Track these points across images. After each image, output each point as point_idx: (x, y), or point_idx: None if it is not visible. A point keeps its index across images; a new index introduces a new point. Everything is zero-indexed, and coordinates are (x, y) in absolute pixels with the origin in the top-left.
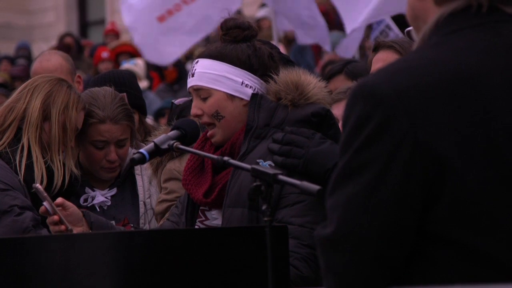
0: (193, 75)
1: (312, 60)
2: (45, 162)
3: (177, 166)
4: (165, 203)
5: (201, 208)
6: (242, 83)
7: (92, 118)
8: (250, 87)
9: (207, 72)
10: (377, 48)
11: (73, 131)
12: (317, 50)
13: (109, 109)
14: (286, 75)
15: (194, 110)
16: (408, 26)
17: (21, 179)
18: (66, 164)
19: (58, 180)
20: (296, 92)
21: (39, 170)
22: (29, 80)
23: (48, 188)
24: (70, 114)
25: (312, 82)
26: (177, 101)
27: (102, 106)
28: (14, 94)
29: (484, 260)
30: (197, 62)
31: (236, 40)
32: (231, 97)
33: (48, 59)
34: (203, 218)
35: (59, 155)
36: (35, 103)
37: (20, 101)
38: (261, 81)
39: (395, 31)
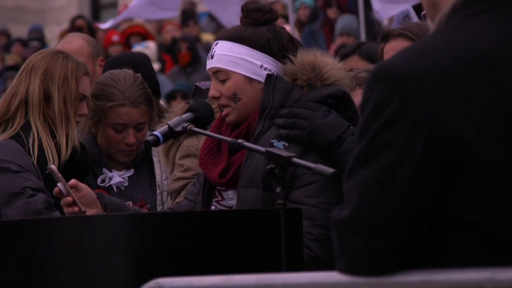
0: (212, 57)
1: (323, 44)
2: (55, 141)
3: (195, 143)
4: (181, 181)
5: (217, 188)
6: (261, 66)
7: (112, 101)
8: (269, 70)
9: (226, 54)
10: (386, 37)
11: (77, 101)
12: (328, 33)
13: (129, 92)
14: (303, 56)
15: (212, 92)
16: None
17: (35, 161)
18: (70, 135)
19: (63, 153)
20: (313, 72)
21: (48, 150)
22: (26, 61)
23: (43, 167)
24: (70, 85)
25: (329, 63)
26: (202, 84)
27: (123, 89)
28: (15, 79)
29: (503, 243)
30: (216, 44)
31: (256, 23)
32: (250, 80)
33: (69, 41)
34: (220, 198)
35: (63, 129)
36: (34, 84)
37: (21, 85)
38: (281, 64)
39: (414, 20)
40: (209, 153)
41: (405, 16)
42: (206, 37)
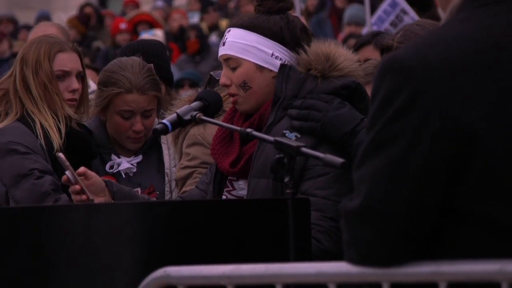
0: (224, 44)
1: (331, 33)
2: (58, 122)
3: (201, 132)
4: (187, 169)
5: (229, 178)
6: (272, 54)
7: (120, 87)
8: (280, 59)
9: (238, 42)
10: (388, 50)
11: (54, 79)
12: (336, 23)
13: (137, 79)
14: (318, 47)
15: (223, 79)
16: (425, 9)
17: (43, 143)
18: (60, 114)
19: (55, 139)
20: (327, 63)
21: (51, 133)
22: None
23: (50, 150)
24: (44, 67)
25: (343, 54)
26: (216, 74)
27: (129, 76)
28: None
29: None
30: (229, 31)
31: (269, 12)
32: (260, 68)
33: (44, 30)
34: (230, 188)
35: (46, 111)
36: (16, 74)
37: (12, 75)
38: (292, 54)
39: (411, 15)
40: (221, 143)
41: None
42: (225, 23)
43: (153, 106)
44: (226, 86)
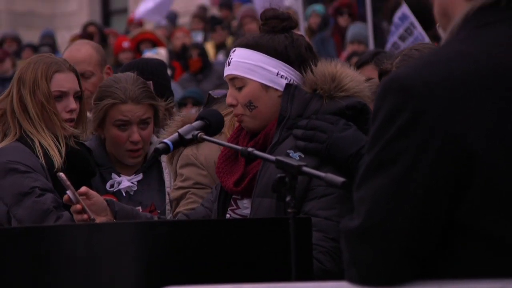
0: (229, 64)
1: (334, 51)
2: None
3: (194, 152)
4: (181, 190)
5: (233, 196)
6: (278, 73)
7: (114, 99)
8: (286, 78)
9: (243, 62)
10: (386, 73)
11: (52, 100)
12: (339, 41)
13: (131, 89)
14: (324, 67)
15: (229, 99)
16: (431, 25)
17: (43, 162)
18: (60, 134)
19: (55, 157)
20: (333, 84)
21: (51, 152)
22: None
23: (50, 168)
24: (41, 87)
25: (349, 75)
26: (215, 93)
27: (124, 88)
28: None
29: None
30: (234, 51)
31: (274, 31)
32: (266, 87)
33: (78, 49)
34: (235, 207)
35: (45, 133)
36: (13, 94)
37: (9, 95)
38: (298, 72)
39: (419, 29)
40: (225, 162)
41: (410, 24)
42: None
43: (149, 115)
44: (232, 106)
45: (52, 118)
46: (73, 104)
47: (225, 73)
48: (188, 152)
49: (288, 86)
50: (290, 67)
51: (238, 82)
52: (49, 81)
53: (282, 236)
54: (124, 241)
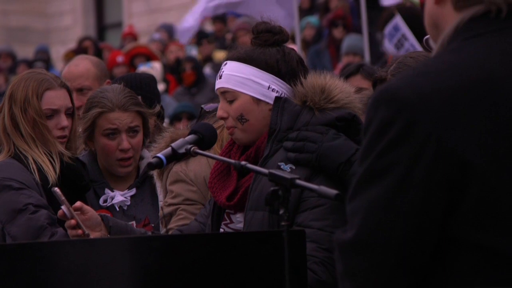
0: (220, 77)
1: (329, 63)
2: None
3: (183, 168)
4: (171, 206)
5: (226, 211)
6: (269, 87)
7: (102, 108)
8: (277, 91)
9: (234, 75)
10: (381, 81)
11: (43, 117)
12: (334, 53)
13: (117, 98)
14: (313, 79)
15: (220, 112)
16: (420, 38)
17: (37, 178)
18: (53, 150)
19: (49, 173)
20: (322, 95)
21: (45, 167)
22: None
23: (45, 184)
24: (32, 105)
25: (339, 86)
26: (207, 107)
27: (110, 96)
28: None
29: (508, 263)
30: (225, 64)
31: (266, 44)
32: (257, 101)
33: (76, 64)
34: (228, 221)
35: (39, 149)
36: (4, 112)
37: (0, 113)
38: (289, 86)
39: (411, 41)
40: (218, 176)
41: (402, 36)
42: (219, 55)
43: (138, 123)
44: (223, 119)
45: (44, 135)
46: (64, 121)
47: (217, 86)
48: (177, 168)
49: (277, 99)
50: (281, 80)
51: (229, 95)
52: (40, 99)
53: (276, 249)
54: (119, 256)
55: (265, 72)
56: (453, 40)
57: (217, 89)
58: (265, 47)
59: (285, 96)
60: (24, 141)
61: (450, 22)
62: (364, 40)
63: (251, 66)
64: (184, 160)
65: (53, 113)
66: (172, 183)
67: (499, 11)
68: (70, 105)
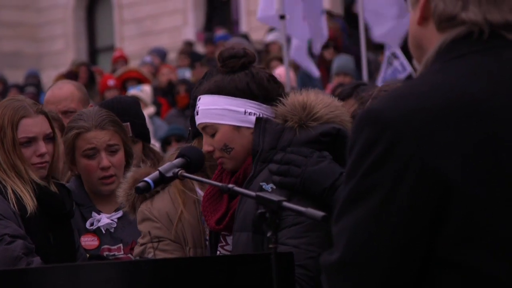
0: (197, 113)
1: (320, 83)
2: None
3: (149, 206)
4: (141, 246)
5: (222, 233)
6: (245, 112)
7: (79, 129)
8: (254, 114)
9: (209, 108)
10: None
11: (17, 147)
12: (325, 74)
13: (93, 118)
14: (294, 97)
15: (205, 147)
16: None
17: (15, 208)
18: (25, 180)
19: (28, 203)
20: (303, 112)
21: (24, 197)
22: None
23: (23, 214)
24: (7, 134)
25: (322, 101)
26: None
27: (86, 118)
28: None
29: (492, 284)
30: (199, 99)
31: (234, 70)
32: (237, 128)
33: (60, 87)
34: (224, 243)
35: (16, 179)
36: None
37: None
38: (265, 105)
39: (401, 59)
40: (210, 200)
41: (391, 54)
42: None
43: (117, 142)
44: (210, 152)
45: (18, 166)
46: (43, 148)
47: (197, 123)
48: (143, 207)
49: (258, 120)
50: (256, 102)
51: (209, 129)
52: (15, 128)
53: (265, 271)
54: (107, 282)
55: (238, 98)
56: (435, 61)
57: (198, 125)
58: (233, 73)
59: (264, 115)
60: (2, 170)
61: (434, 43)
62: (363, 61)
63: (223, 96)
64: (150, 198)
65: (30, 140)
66: (140, 222)
67: (481, 32)
68: (49, 131)
